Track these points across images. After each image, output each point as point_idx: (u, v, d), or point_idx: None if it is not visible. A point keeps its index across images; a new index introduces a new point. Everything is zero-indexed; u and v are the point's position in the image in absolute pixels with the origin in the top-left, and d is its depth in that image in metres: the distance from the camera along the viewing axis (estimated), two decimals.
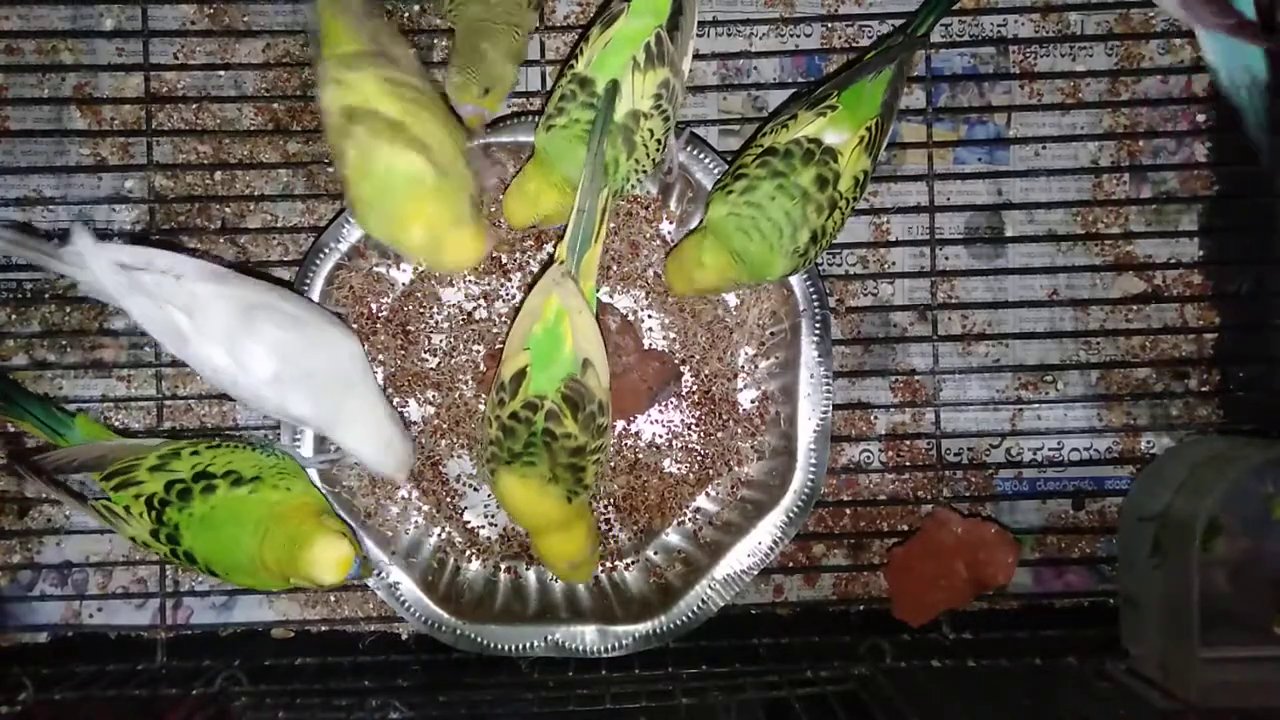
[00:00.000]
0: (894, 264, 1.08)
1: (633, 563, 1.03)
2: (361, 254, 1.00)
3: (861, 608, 1.07)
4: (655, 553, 1.03)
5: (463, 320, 1.03)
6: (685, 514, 1.03)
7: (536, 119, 0.93)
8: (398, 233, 0.90)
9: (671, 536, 1.04)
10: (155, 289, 0.86)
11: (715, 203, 0.89)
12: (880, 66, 0.89)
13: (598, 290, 1.02)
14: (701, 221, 0.92)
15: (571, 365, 0.84)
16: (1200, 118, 1.09)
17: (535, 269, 1.03)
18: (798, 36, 1.09)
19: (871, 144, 0.88)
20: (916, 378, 1.08)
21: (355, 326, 1.01)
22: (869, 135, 0.88)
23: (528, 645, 0.97)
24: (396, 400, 1.02)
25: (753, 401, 1.03)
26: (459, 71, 0.93)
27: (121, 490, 0.87)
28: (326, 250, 0.99)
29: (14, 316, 1.07)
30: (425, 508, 1.03)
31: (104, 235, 1.06)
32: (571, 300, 0.84)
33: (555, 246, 0.93)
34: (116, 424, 1.07)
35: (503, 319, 1.03)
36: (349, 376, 0.92)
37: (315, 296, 0.98)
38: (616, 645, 0.97)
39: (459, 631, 0.97)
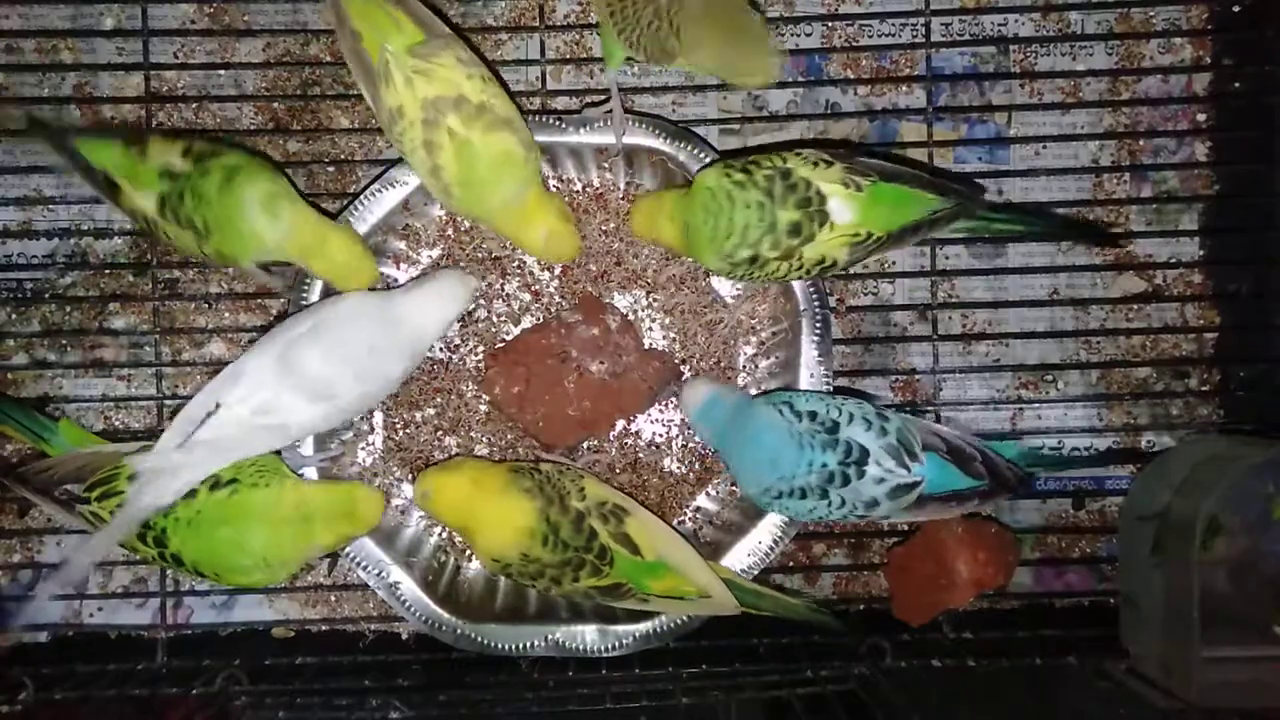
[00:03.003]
0: (894, 263, 1.08)
1: None
2: None
3: (861, 607, 1.07)
4: None
5: (463, 320, 1.03)
6: (685, 513, 1.03)
7: (539, 119, 0.93)
8: (498, 218, 0.91)
9: None
10: (218, 431, 0.86)
11: (713, 171, 0.88)
12: (938, 200, 0.87)
13: (599, 294, 1.03)
14: (690, 181, 0.92)
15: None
16: (1200, 117, 1.09)
17: (535, 268, 1.03)
18: (798, 36, 1.09)
19: (859, 245, 0.87)
20: (917, 377, 1.08)
21: None
22: (863, 237, 0.86)
23: (528, 645, 0.97)
24: (397, 401, 1.02)
25: None
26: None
27: (104, 500, 0.87)
28: None
29: (14, 316, 1.07)
30: None
31: (104, 234, 1.06)
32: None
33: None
34: (117, 423, 1.07)
35: (502, 319, 1.03)
36: (373, 328, 0.90)
37: (315, 297, 0.98)
38: (616, 645, 0.97)
39: (459, 631, 0.97)
